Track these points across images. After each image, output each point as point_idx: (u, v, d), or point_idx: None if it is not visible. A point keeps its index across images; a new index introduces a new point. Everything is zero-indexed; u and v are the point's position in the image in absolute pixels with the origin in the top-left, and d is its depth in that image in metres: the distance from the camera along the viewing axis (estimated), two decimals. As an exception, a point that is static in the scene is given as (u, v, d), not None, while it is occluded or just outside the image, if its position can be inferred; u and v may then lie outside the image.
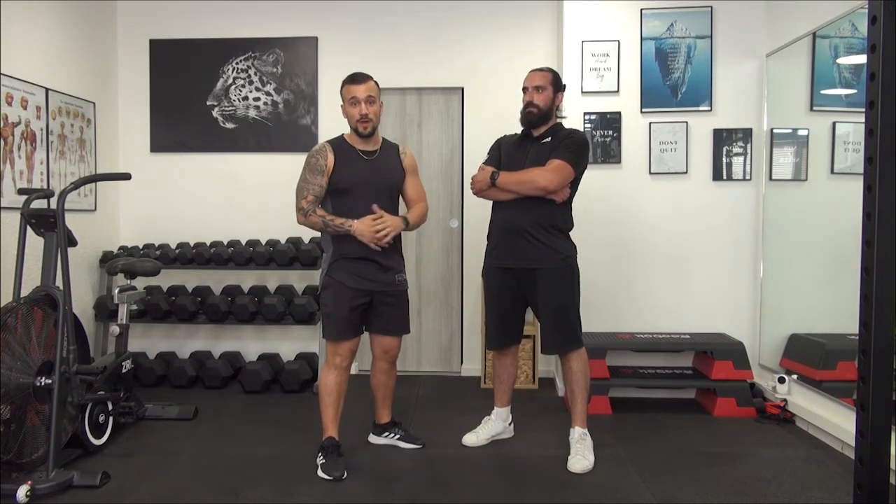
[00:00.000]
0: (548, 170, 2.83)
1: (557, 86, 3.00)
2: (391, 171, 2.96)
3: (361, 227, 2.77)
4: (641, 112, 4.09)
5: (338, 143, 2.87)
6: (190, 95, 4.61)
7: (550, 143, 2.93)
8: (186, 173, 4.64)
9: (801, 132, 3.86)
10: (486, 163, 3.07)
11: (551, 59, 4.40)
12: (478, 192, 3.03)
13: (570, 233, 3.01)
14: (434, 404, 3.91)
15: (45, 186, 3.81)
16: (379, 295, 2.90)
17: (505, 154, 3.06)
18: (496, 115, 4.47)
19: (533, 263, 2.91)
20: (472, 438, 3.18)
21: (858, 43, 3.22)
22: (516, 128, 3.14)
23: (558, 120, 3.06)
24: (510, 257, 2.97)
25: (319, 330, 4.19)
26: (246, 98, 4.60)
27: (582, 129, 4.05)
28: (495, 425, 3.23)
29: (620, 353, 3.97)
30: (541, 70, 3.03)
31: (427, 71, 4.54)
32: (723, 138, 4.04)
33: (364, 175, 2.86)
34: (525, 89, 3.01)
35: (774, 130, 3.92)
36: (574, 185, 2.95)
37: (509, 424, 3.27)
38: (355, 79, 2.85)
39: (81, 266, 4.20)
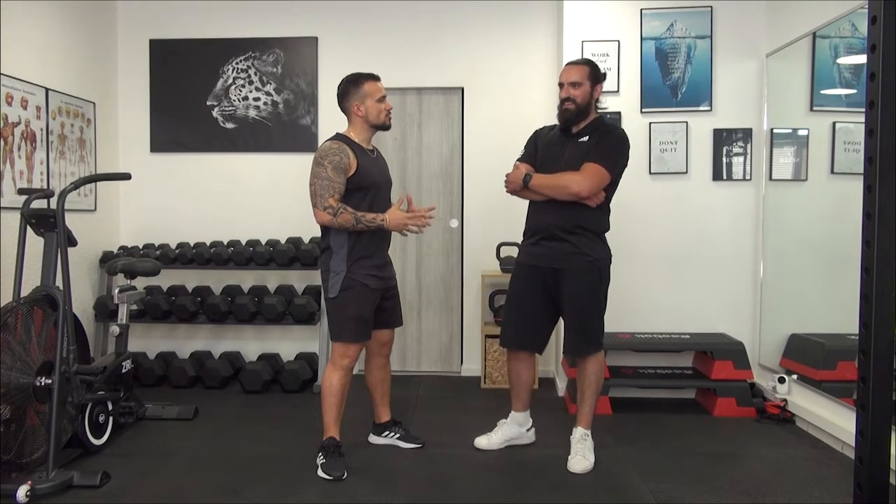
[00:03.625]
0: (581, 175, 2.75)
1: (596, 78, 2.87)
2: (387, 170, 3.07)
3: (394, 216, 2.81)
4: (641, 112, 4.09)
5: (351, 142, 2.85)
6: (190, 95, 4.61)
7: (588, 143, 2.83)
8: (186, 173, 4.64)
9: (801, 132, 3.86)
10: (520, 159, 2.99)
11: (551, 59, 4.41)
12: (511, 192, 2.96)
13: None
14: (434, 404, 3.91)
15: (45, 186, 3.81)
16: (385, 290, 2.95)
17: (542, 149, 2.96)
18: (496, 115, 4.49)
19: (559, 264, 2.85)
20: (484, 441, 3.10)
21: (858, 43, 3.22)
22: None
23: (598, 113, 2.95)
24: (539, 256, 2.91)
25: (319, 330, 4.20)
26: (246, 98, 4.60)
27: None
28: (510, 429, 3.12)
29: (620, 353, 3.96)
30: (577, 63, 2.92)
31: (427, 71, 4.54)
32: (723, 138, 4.03)
33: (379, 173, 2.94)
34: (561, 85, 2.88)
35: (774, 130, 3.92)
36: (611, 186, 2.85)
37: (528, 430, 3.16)
38: (378, 77, 2.93)
39: (81, 266, 4.20)
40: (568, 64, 2.97)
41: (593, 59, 4.05)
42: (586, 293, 2.87)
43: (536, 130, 3.09)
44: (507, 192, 2.97)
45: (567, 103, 2.85)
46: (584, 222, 2.83)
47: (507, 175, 2.96)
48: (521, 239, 3.07)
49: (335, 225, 2.76)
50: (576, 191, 2.75)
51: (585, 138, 2.86)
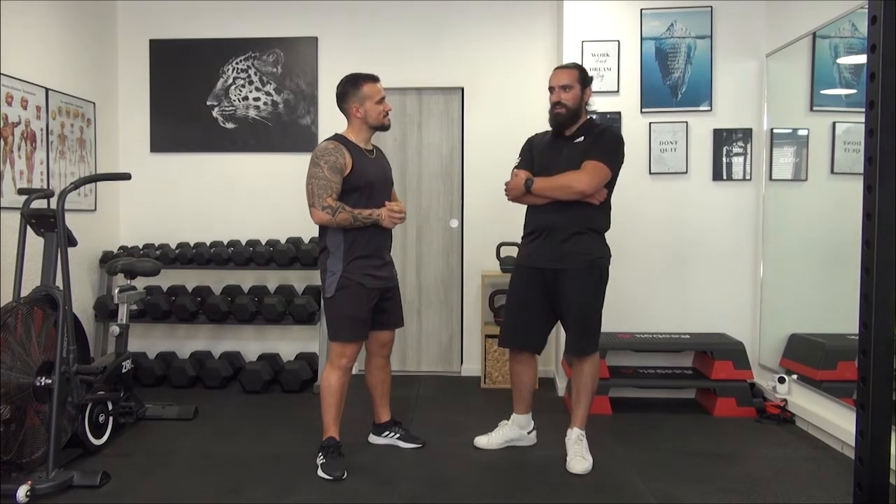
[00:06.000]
0: (583, 173, 2.75)
1: (585, 81, 2.89)
2: (389, 170, 3.07)
3: (385, 212, 2.84)
4: (641, 112, 4.09)
5: (348, 142, 2.86)
6: (190, 95, 4.61)
7: (584, 143, 2.83)
8: (186, 173, 4.64)
9: (801, 132, 3.86)
10: (518, 166, 2.99)
11: (551, 59, 4.40)
12: (513, 199, 2.96)
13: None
14: (434, 404, 3.91)
15: (45, 186, 3.81)
16: (384, 291, 2.94)
17: (538, 155, 2.97)
18: (496, 115, 4.49)
19: (561, 264, 2.83)
20: (484, 441, 3.12)
21: (858, 43, 3.22)
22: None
23: (589, 115, 2.97)
24: (541, 258, 2.89)
25: (319, 330, 4.20)
26: (246, 98, 4.60)
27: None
28: (510, 431, 3.13)
29: (620, 353, 3.96)
30: (566, 67, 2.94)
31: (427, 71, 4.54)
32: (723, 138, 4.03)
33: (376, 173, 2.93)
34: (551, 89, 2.89)
35: (774, 130, 3.92)
36: (611, 184, 2.86)
37: (529, 433, 3.15)
38: (377, 78, 2.93)
39: (81, 266, 4.20)
40: (557, 68, 2.98)
41: (593, 59, 4.10)
42: (588, 293, 2.87)
43: (530, 138, 3.10)
44: (509, 199, 2.97)
45: (558, 107, 2.87)
46: (587, 221, 2.83)
47: (506, 183, 2.96)
48: (521, 239, 3.06)
49: (333, 224, 2.77)
50: (580, 189, 2.75)
51: (581, 139, 2.86)
